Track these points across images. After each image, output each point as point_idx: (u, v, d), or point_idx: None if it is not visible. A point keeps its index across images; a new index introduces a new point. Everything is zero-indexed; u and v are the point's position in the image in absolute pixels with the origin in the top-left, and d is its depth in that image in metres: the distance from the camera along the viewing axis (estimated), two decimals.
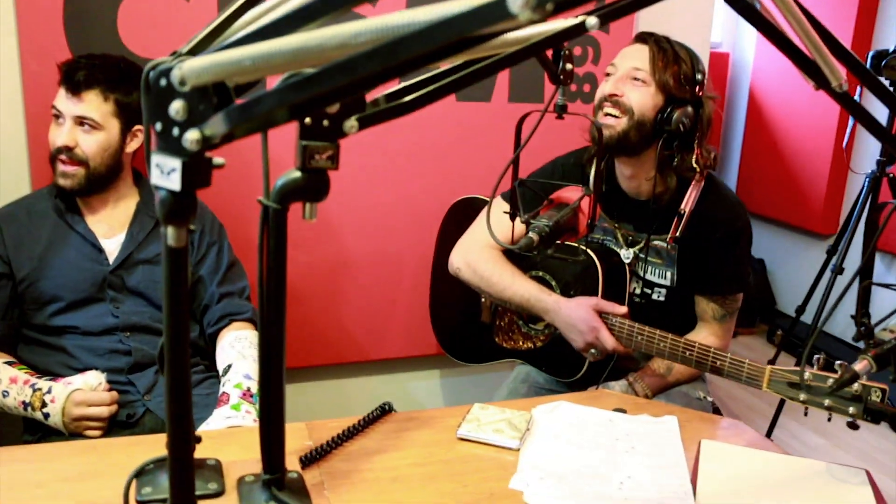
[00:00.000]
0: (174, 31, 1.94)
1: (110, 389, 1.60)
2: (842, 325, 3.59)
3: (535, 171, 1.88)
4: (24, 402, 1.55)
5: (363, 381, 2.49)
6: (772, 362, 1.58)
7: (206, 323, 1.78)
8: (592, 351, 1.64)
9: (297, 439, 1.19)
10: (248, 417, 1.50)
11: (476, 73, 0.76)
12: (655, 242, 1.74)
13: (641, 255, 1.75)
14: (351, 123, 0.73)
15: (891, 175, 2.66)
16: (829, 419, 1.24)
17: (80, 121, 1.64)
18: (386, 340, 2.42)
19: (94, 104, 1.64)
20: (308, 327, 2.29)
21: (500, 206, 1.39)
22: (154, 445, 1.12)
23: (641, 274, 1.76)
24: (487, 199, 1.37)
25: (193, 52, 0.75)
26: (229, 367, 1.62)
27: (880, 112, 2.71)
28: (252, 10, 0.77)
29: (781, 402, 2.83)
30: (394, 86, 0.80)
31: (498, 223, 1.38)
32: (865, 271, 2.75)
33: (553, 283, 1.82)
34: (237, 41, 0.60)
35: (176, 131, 0.61)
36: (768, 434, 2.84)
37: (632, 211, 1.77)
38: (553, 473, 1.14)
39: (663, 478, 1.15)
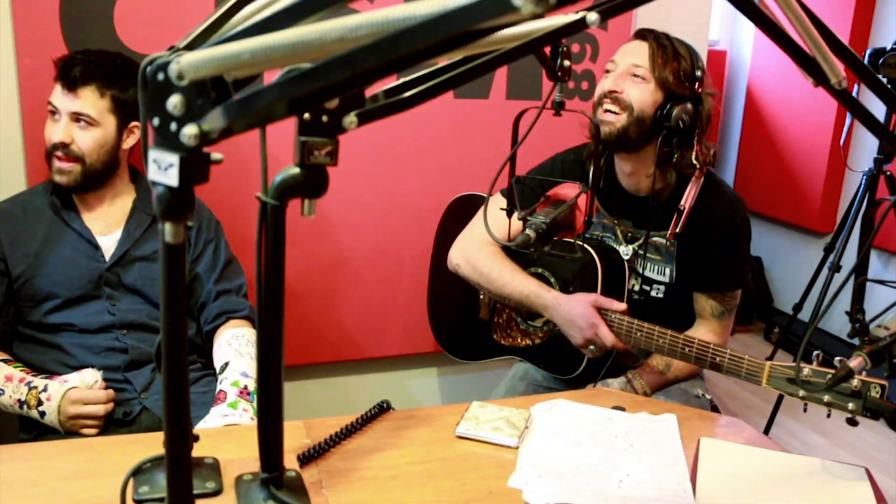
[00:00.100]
0: (171, 26, 1.94)
1: (107, 387, 1.60)
2: (839, 323, 3.60)
3: (535, 167, 1.88)
4: (19, 401, 1.54)
5: (361, 378, 2.48)
6: (769, 360, 1.57)
7: (202, 320, 1.77)
8: (591, 347, 1.63)
9: (295, 438, 1.19)
10: (245, 415, 1.50)
11: (475, 69, 0.76)
12: (655, 239, 1.73)
13: (640, 252, 1.75)
14: (350, 119, 0.73)
15: (888, 173, 2.66)
16: (829, 415, 1.24)
17: (77, 117, 1.63)
18: (384, 338, 2.42)
19: (91, 100, 1.63)
20: (306, 325, 2.28)
21: (498, 203, 1.39)
22: (151, 444, 1.12)
23: (640, 271, 1.76)
24: (486, 195, 1.37)
25: (191, 46, 0.74)
26: (226, 364, 1.62)
27: (878, 110, 2.71)
28: (249, 5, 0.77)
29: (779, 401, 2.83)
30: (392, 82, 0.79)
31: (496, 220, 1.37)
32: (860, 268, 2.75)
33: (552, 279, 1.82)
34: (236, 35, 0.59)
35: (174, 126, 0.61)
36: (766, 432, 2.84)
37: (631, 207, 1.77)
38: (552, 471, 1.14)
39: (662, 476, 1.15)
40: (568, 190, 1.45)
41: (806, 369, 1.25)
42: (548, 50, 1.08)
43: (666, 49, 1.63)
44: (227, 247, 1.84)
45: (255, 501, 0.96)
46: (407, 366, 2.53)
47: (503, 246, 1.77)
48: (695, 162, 1.65)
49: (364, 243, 2.31)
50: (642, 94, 1.63)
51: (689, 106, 1.63)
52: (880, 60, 2.43)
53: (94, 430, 1.57)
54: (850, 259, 2.93)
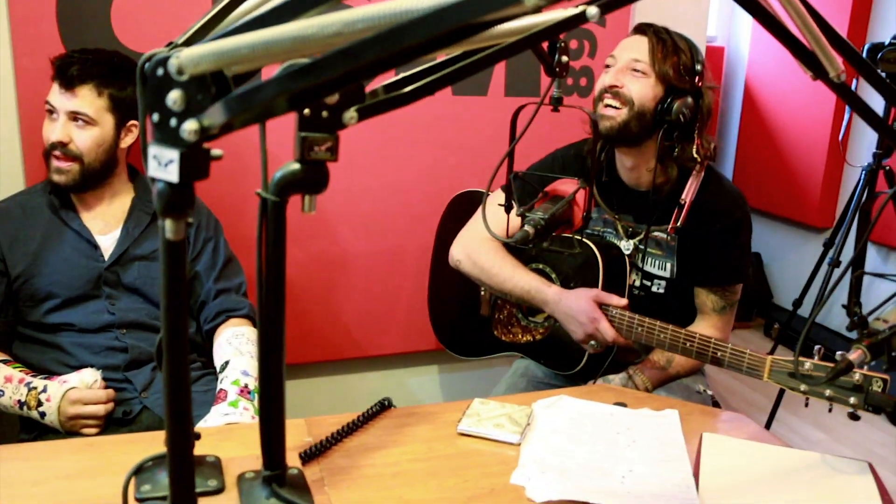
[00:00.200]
0: (168, 25, 1.93)
1: (107, 387, 1.59)
2: (839, 319, 3.60)
3: (535, 163, 1.88)
4: (19, 401, 1.54)
5: (362, 377, 2.48)
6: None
7: (202, 319, 1.77)
8: (592, 343, 1.63)
9: (297, 436, 1.18)
10: (245, 414, 1.49)
11: (475, 64, 0.75)
12: (656, 233, 1.73)
13: (641, 247, 1.74)
14: (350, 114, 0.72)
15: (887, 167, 2.66)
16: (830, 410, 1.23)
17: (74, 116, 1.63)
18: (385, 336, 2.42)
19: (88, 99, 1.62)
20: (306, 323, 2.28)
21: (498, 199, 1.39)
22: (152, 443, 1.12)
23: (641, 266, 1.76)
24: (485, 192, 1.37)
25: (189, 43, 0.74)
26: (226, 363, 1.61)
27: (877, 105, 2.71)
28: (246, 2, 0.76)
29: (780, 397, 2.83)
30: (391, 77, 0.79)
31: (495, 216, 1.37)
32: (857, 261, 2.75)
33: (553, 275, 1.82)
34: (235, 30, 0.59)
35: (174, 122, 0.60)
36: (767, 428, 2.84)
37: (632, 202, 1.77)
38: (554, 468, 1.14)
39: (665, 471, 1.14)
40: (567, 185, 1.44)
41: (807, 363, 1.25)
42: (546, 46, 1.08)
43: (665, 43, 1.64)
44: (227, 245, 1.84)
45: (258, 499, 0.95)
46: (408, 364, 2.53)
47: (502, 242, 1.77)
48: (695, 155, 1.65)
49: (364, 242, 2.31)
50: (643, 89, 1.63)
51: (689, 100, 1.63)
52: (878, 55, 2.43)
53: (94, 430, 1.57)
54: (849, 254, 2.93)
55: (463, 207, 2.14)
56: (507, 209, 1.30)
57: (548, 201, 1.42)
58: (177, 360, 0.71)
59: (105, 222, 1.74)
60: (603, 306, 1.63)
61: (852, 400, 1.19)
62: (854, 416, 1.20)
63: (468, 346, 2.13)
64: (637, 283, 1.77)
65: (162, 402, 1.64)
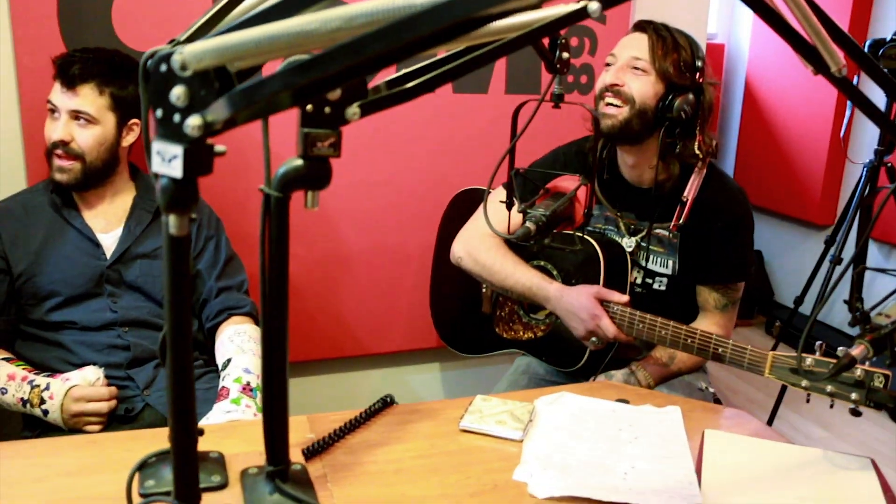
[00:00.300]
0: (169, 24, 1.93)
1: (109, 385, 1.60)
2: (841, 317, 3.60)
3: (537, 160, 1.88)
4: (22, 399, 1.54)
5: (363, 375, 2.48)
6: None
7: (204, 317, 1.77)
8: (593, 339, 1.63)
9: (299, 432, 1.18)
10: (248, 412, 1.50)
11: (476, 60, 0.76)
12: (658, 231, 1.73)
13: (643, 244, 1.75)
14: (353, 110, 0.73)
15: (888, 164, 2.66)
16: (832, 406, 1.24)
17: (76, 115, 1.63)
18: (387, 334, 2.42)
19: (90, 98, 1.63)
20: (308, 321, 2.28)
21: (500, 196, 1.39)
22: (154, 440, 1.12)
23: (643, 263, 1.76)
24: (486, 189, 1.37)
25: (191, 40, 0.74)
26: (228, 361, 1.62)
27: (878, 100, 2.70)
28: (246, 1, 0.77)
29: (781, 395, 2.83)
30: (393, 73, 0.79)
31: (497, 213, 1.37)
32: (859, 256, 2.75)
33: (555, 272, 1.82)
34: (238, 25, 0.59)
35: (177, 118, 0.61)
36: (768, 426, 2.84)
37: (634, 199, 1.77)
38: (557, 464, 1.14)
39: (668, 467, 1.15)
40: (568, 182, 1.44)
41: (808, 359, 1.25)
42: (546, 42, 1.08)
43: (665, 40, 1.63)
44: (228, 244, 1.84)
45: (261, 495, 0.95)
46: (410, 362, 2.53)
47: (504, 238, 1.77)
48: (697, 152, 1.65)
49: (366, 240, 2.31)
50: (643, 87, 1.63)
51: (690, 96, 1.63)
52: (880, 51, 2.43)
53: (97, 427, 1.57)
54: (850, 252, 2.93)
55: (465, 205, 2.15)
56: (509, 206, 1.30)
57: (549, 198, 1.43)
58: (181, 355, 0.72)
59: (107, 221, 1.74)
60: (604, 303, 1.63)
61: (854, 396, 1.19)
62: (855, 413, 1.21)
63: (470, 344, 2.14)
64: (638, 281, 1.77)
65: (164, 399, 1.65)
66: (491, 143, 2.31)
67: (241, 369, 1.58)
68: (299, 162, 0.76)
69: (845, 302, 2.64)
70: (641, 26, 1.68)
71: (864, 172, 2.69)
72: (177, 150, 0.61)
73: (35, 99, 1.82)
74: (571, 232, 1.60)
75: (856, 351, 1.05)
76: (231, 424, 1.39)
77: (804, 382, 1.25)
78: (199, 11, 1.77)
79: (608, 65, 1.70)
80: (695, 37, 1.70)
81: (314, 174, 0.76)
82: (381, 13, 0.53)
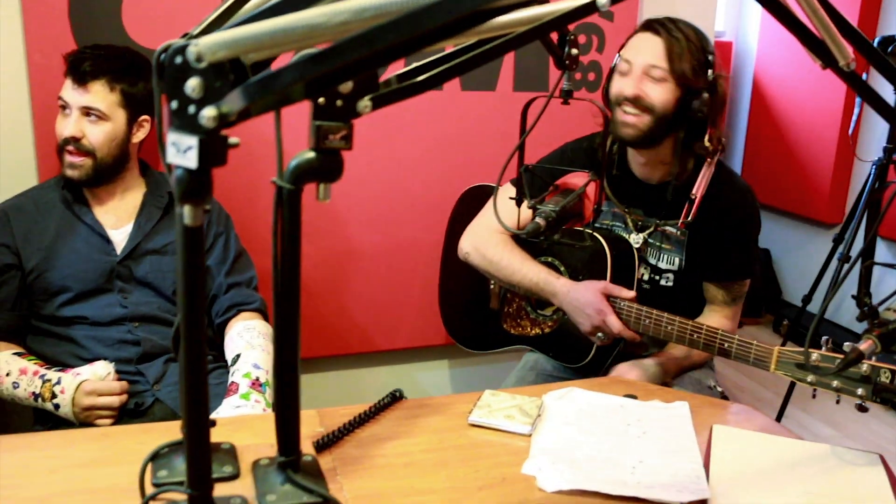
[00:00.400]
0: (179, 21, 1.94)
1: (119, 380, 1.61)
2: (849, 315, 3.58)
3: (546, 156, 1.88)
4: (34, 393, 1.55)
5: (372, 371, 2.49)
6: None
7: (214, 313, 1.78)
8: (600, 335, 1.64)
9: (309, 426, 1.19)
10: (257, 407, 1.51)
11: (485, 54, 0.76)
12: (666, 228, 1.74)
13: (651, 241, 1.75)
14: (364, 103, 0.73)
15: None
16: (838, 401, 1.23)
17: (87, 111, 1.64)
18: (395, 331, 2.43)
19: (101, 95, 1.64)
20: (316, 318, 2.29)
21: (508, 193, 1.39)
22: (166, 432, 1.13)
23: (650, 260, 1.76)
24: (495, 185, 1.38)
25: (204, 34, 0.75)
26: (238, 356, 1.63)
27: (888, 97, 2.69)
28: None
29: (789, 393, 2.83)
30: (402, 67, 0.80)
31: (506, 209, 1.38)
32: (867, 252, 2.74)
33: (562, 268, 1.82)
34: (253, 17, 0.60)
35: (192, 109, 0.61)
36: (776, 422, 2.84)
37: (643, 195, 1.77)
38: (565, 458, 1.14)
39: (676, 462, 1.15)
40: (577, 179, 1.45)
41: (815, 354, 1.24)
42: (555, 38, 1.08)
43: (679, 42, 1.60)
44: (237, 240, 1.85)
45: (273, 485, 0.96)
46: (418, 358, 2.54)
47: (513, 234, 1.77)
48: (707, 144, 1.65)
49: (375, 237, 2.32)
50: (663, 95, 1.61)
51: (705, 95, 1.62)
52: (889, 48, 2.43)
53: (108, 421, 1.58)
54: (859, 249, 2.92)
55: (473, 202, 2.15)
56: (518, 202, 1.31)
57: (558, 194, 1.43)
58: (194, 345, 0.73)
59: (117, 217, 1.75)
60: (611, 298, 1.63)
61: (860, 391, 1.19)
62: (862, 408, 1.20)
63: (478, 340, 2.14)
64: (645, 277, 1.78)
65: (174, 394, 1.66)
66: (499, 140, 2.31)
67: (251, 365, 1.59)
68: (312, 154, 0.76)
69: (853, 297, 2.62)
70: (653, 27, 1.64)
71: (873, 170, 2.68)
72: (192, 140, 0.61)
73: (46, 96, 1.83)
74: (580, 228, 1.61)
75: (863, 346, 1.05)
76: (241, 418, 1.40)
77: (810, 377, 1.25)
78: (209, 9, 1.78)
79: (623, 73, 1.66)
80: None
81: (326, 166, 0.77)
82: (392, 5, 0.53)
